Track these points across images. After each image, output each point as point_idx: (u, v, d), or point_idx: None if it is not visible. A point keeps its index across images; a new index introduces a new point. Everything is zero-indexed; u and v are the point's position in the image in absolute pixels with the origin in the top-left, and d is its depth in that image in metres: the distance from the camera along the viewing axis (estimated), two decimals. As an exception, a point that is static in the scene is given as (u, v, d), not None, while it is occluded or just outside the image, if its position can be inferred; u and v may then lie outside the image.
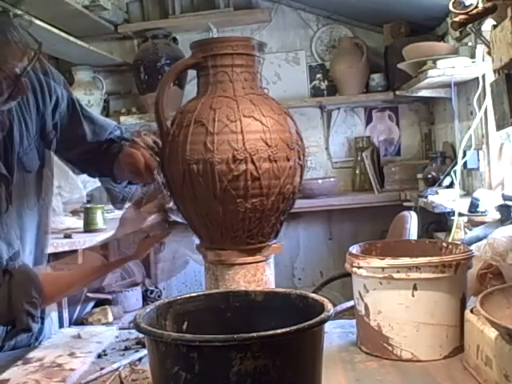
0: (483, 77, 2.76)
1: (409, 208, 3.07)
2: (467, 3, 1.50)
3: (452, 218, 2.40)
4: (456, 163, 2.73)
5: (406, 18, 3.58)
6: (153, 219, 1.32)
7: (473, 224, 2.27)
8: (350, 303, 1.41)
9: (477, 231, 1.83)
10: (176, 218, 1.41)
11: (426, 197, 2.96)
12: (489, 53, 1.67)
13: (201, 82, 1.37)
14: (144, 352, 1.20)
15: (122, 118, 3.88)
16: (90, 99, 3.88)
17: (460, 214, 2.37)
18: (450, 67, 2.75)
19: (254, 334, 0.75)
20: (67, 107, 1.48)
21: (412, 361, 1.14)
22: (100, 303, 3.03)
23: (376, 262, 1.15)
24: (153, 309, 0.90)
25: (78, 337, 1.35)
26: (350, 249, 1.26)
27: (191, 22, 3.86)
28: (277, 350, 0.77)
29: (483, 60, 2.71)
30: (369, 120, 4.10)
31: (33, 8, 2.75)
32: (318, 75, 4.09)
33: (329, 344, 1.21)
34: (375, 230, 3.72)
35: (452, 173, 2.80)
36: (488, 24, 1.74)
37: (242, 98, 1.29)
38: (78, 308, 2.89)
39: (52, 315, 1.56)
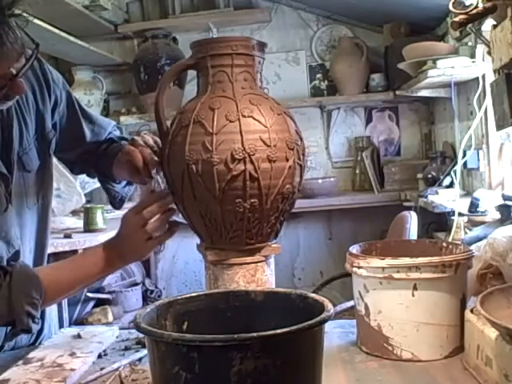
0: (483, 77, 2.76)
1: (409, 208, 3.07)
2: (467, 3, 1.50)
3: (452, 217, 2.40)
4: (456, 163, 2.73)
5: (406, 18, 3.59)
6: (155, 220, 1.32)
7: (473, 224, 2.27)
8: (350, 303, 1.41)
9: (477, 231, 1.83)
10: (176, 217, 1.41)
11: (426, 197, 2.96)
12: (489, 53, 1.67)
13: (200, 82, 1.37)
14: (144, 352, 1.20)
15: (122, 118, 3.88)
16: (90, 99, 3.88)
17: (460, 214, 2.37)
18: (449, 67, 2.75)
19: (254, 334, 0.75)
20: (66, 107, 1.48)
21: (412, 361, 1.14)
22: (100, 303, 3.04)
23: (376, 261, 1.15)
24: (153, 309, 0.90)
25: (78, 337, 1.35)
26: (350, 249, 1.26)
27: (191, 22, 3.86)
28: (277, 349, 0.77)
29: (483, 60, 2.71)
30: (369, 120, 4.10)
31: (33, 8, 2.75)
32: (318, 75, 4.09)
33: (329, 344, 1.21)
34: (375, 230, 3.72)
35: (452, 173, 2.80)
36: (488, 24, 1.74)
37: (241, 98, 1.29)
38: (78, 308, 2.90)
39: (52, 315, 1.56)
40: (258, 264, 1.34)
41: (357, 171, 3.98)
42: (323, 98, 4.01)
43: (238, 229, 1.30)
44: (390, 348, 1.16)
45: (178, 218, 1.44)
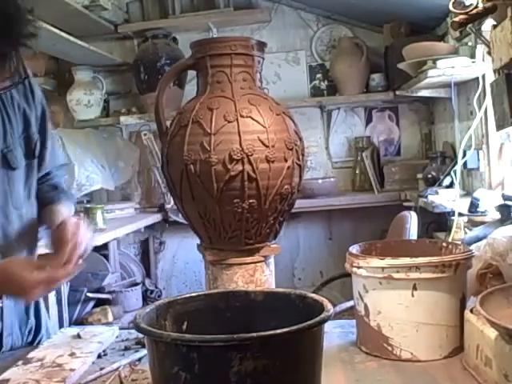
0: (483, 77, 2.76)
1: (409, 208, 3.07)
2: (467, 3, 1.50)
3: (452, 217, 2.40)
4: (456, 163, 2.73)
5: (406, 18, 3.58)
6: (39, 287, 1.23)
7: (473, 224, 2.27)
8: (350, 303, 1.41)
9: (477, 231, 1.83)
10: (176, 218, 1.41)
11: (426, 197, 2.96)
12: (489, 53, 1.67)
13: (200, 82, 1.37)
14: (144, 352, 1.20)
15: (122, 118, 3.88)
16: (90, 99, 3.88)
17: (460, 214, 2.37)
18: (449, 67, 2.74)
19: (254, 334, 0.75)
20: (41, 123, 1.46)
21: (412, 361, 1.14)
22: (100, 303, 3.04)
23: (376, 262, 1.15)
24: (153, 309, 0.90)
25: (78, 337, 1.35)
26: (350, 249, 1.26)
27: (191, 22, 3.86)
28: (276, 350, 0.77)
29: (483, 60, 2.71)
30: (369, 120, 4.10)
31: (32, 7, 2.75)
32: (318, 75, 4.09)
33: (329, 344, 1.21)
34: (375, 230, 3.72)
35: (452, 173, 2.80)
36: (488, 24, 1.74)
37: (240, 98, 1.29)
38: (78, 308, 2.89)
39: (52, 315, 1.55)
40: (257, 264, 1.34)
41: (357, 171, 3.98)
42: (323, 98, 4.01)
43: (236, 229, 1.30)
44: (389, 348, 1.16)
45: (178, 218, 1.44)
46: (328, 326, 1.09)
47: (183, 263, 4.16)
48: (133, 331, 1.39)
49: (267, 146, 1.26)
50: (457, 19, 1.48)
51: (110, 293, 3.12)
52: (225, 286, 1.33)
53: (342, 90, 3.90)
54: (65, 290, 2.62)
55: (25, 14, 1.14)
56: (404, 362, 1.14)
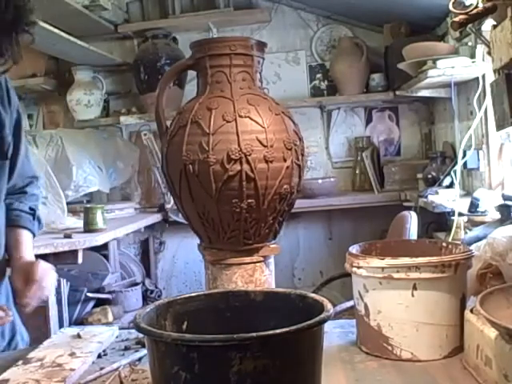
0: (483, 77, 2.76)
1: (409, 208, 3.07)
2: (467, 3, 1.50)
3: (452, 217, 2.40)
4: (456, 163, 2.73)
5: (405, 18, 3.58)
6: None
7: (473, 224, 2.27)
8: (350, 303, 1.41)
9: (477, 231, 1.83)
10: (176, 217, 1.42)
11: (426, 197, 2.96)
12: (489, 53, 1.67)
13: (200, 82, 1.37)
14: (144, 352, 1.20)
15: (122, 118, 3.88)
16: (90, 99, 3.88)
17: (460, 214, 2.37)
18: (449, 67, 2.74)
19: (254, 334, 0.75)
20: (16, 126, 1.46)
21: (412, 361, 1.14)
22: (100, 303, 3.04)
23: (376, 261, 1.15)
24: (153, 309, 0.90)
25: (78, 337, 1.35)
26: (350, 249, 1.26)
27: (191, 22, 3.86)
28: (276, 349, 0.77)
29: (483, 60, 2.71)
30: (369, 120, 4.10)
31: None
32: (318, 75, 4.09)
33: (329, 344, 1.21)
34: (375, 230, 3.72)
35: (452, 173, 2.80)
36: (488, 24, 1.74)
37: (239, 98, 1.29)
38: (78, 308, 2.89)
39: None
40: (257, 264, 1.34)
41: (357, 171, 3.98)
42: (323, 98, 4.01)
43: (235, 229, 1.30)
44: (389, 348, 1.16)
45: (178, 218, 1.45)
46: (328, 326, 1.09)
47: (183, 263, 4.16)
48: (133, 331, 1.39)
49: (266, 146, 1.26)
50: (457, 19, 1.48)
51: (110, 293, 3.13)
52: (224, 286, 1.32)
53: (342, 90, 3.90)
54: (65, 289, 2.62)
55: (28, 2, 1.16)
56: (404, 362, 1.14)
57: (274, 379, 0.77)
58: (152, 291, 3.65)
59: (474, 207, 2.34)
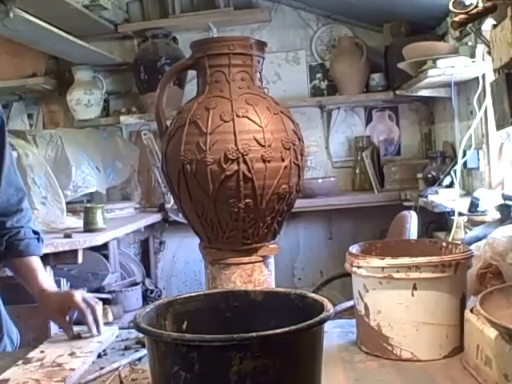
0: (483, 76, 2.76)
1: (409, 208, 3.07)
2: (467, 3, 1.50)
3: (452, 217, 2.40)
4: (456, 163, 2.73)
5: (405, 17, 3.58)
6: None
7: (473, 224, 2.27)
8: (350, 303, 1.41)
9: (477, 231, 1.83)
10: (176, 217, 1.42)
11: (426, 196, 2.96)
12: (489, 52, 1.67)
13: (200, 82, 1.37)
14: (144, 352, 1.20)
15: (122, 118, 3.88)
16: (90, 99, 3.88)
17: (460, 214, 2.37)
18: (449, 67, 2.74)
19: (254, 334, 0.75)
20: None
21: (412, 360, 1.14)
22: (100, 303, 3.03)
23: (376, 261, 1.15)
24: (152, 308, 0.90)
25: (78, 337, 1.35)
26: (350, 249, 1.26)
27: (191, 22, 3.86)
28: (276, 349, 0.77)
29: (483, 60, 2.71)
30: (369, 120, 4.10)
31: (33, 7, 2.75)
32: (318, 75, 4.09)
33: (329, 344, 1.21)
34: (375, 229, 3.72)
35: (452, 172, 2.80)
36: (488, 24, 1.73)
37: (237, 97, 1.29)
38: (78, 308, 2.89)
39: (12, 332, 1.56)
40: (255, 264, 1.34)
41: (357, 171, 3.98)
42: (323, 98, 4.01)
43: (233, 229, 1.30)
44: (389, 348, 1.16)
45: (178, 217, 1.45)
46: (328, 326, 1.09)
47: (183, 263, 4.16)
48: (133, 331, 1.39)
49: (263, 146, 1.26)
50: (457, 19, 1.48)
51: (109, 292, 3.13)
52: (223, 286, 1.32)
53: (342, 89, 3.90)
54: (65, 289, 2.62)
55: None
56: (404, 362, 1.14)
57: (273, 379, 0.77)
58: (152, 291, 3.65)
59: (473, 207, 2.34)
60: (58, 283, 2.56)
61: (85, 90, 3.87)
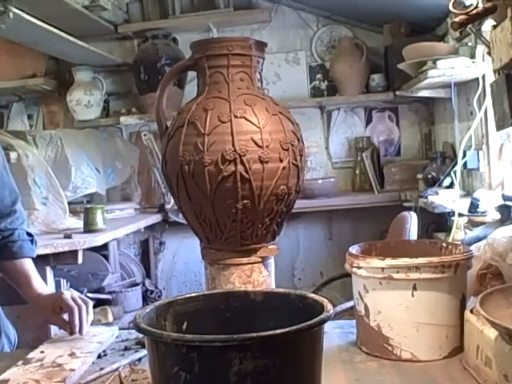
0: (483, 77, 2.76)
1: (409, 208, 3.07)
2: (467, 3, 1.50)
3: (452, 218, 2.39)
4: (456, 163, 2.73)
5: (406, 18, 3.58)
6: None
7: (473, 224, 2.27)
8: (350, 303, 1.41)
9: (477, 231, 1.83)
10: (176, 218, 1.42)
11: (426, 197, 2.96)
12: (489, 53, 1.67)
13: (200, 83, 1.37)
14: (144, 352, 1.20)
15: (122, 119, 3.88)
16: (90, 99, 3.88)
17: (460, 215, 2.37)
18: (450, 67, 2.74)
19: (254, 334, 0.75)
20: None
21: (412, 361, 1.14)
22: (100, 303, 3.04)
23: (376, 262, 1.15)
24: (152, 309, 0.90)
25: (78, 337, 1.35)
26: (350, 249, 1.26)
27: (191, 22, 3.86)
28: (276, 350, 0.77)
29: (483, 60, 2.71)
30: (369, 120, 4.10)
31: (33, 7, 2.75)
32: (318, 75, 4.08)
33: (329, 344, 1.21)
34: (375, 230, 3.72)
35: (452, 173, 2.80)
36: (488, 24, 1.74)
37: (235, 98, 1.29)
38: (78, 308, 2.89)
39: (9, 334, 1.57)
40: (254, 265, 1.34)
41: (357, 171, 3.98)
42: (323, 99, 4.01)
43: (232, 229, 1.30)
44: (389, 348, 1.16)
45: (178, 218, 1.45)
46: (328, 326, 1.09)
47: (183, 263, 4.16)
48: (133, 331, 1.39)
49: (261, 147, 1.25)
50: (457, 19, 1.48)
51: (109, 293, 3.12)
52: (222, 286, 1.32)
53: (342, 90, 3.90)
54: (65, 290, 2.62)
55: None
56: (404, 362, 1.14)
57: (273, 379, 0.77)
58: (152, 291, 3.65)
59: (474, 207, 2.34)
60: (58, 283, 2.56)
61: (85, 90, 3.87)
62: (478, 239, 1.55)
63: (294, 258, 4.11)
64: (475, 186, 2.99)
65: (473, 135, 2.73)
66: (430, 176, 3.26)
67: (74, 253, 2.57)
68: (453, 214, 2.41)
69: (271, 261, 1.40)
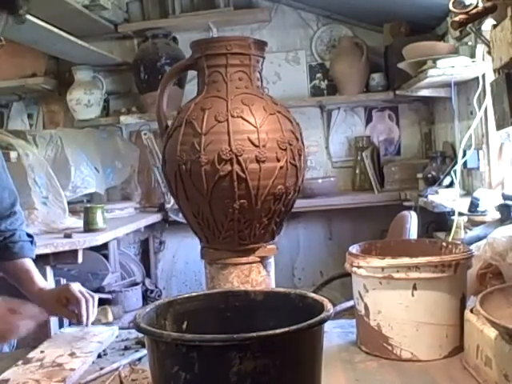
0: (483, 76, 2.76)
1: (409, 208, 3.07)
2: (467, 3, 1.50)
3: (452, 217, 2.39)
4: (456, 163, 2.73)
5: (405, 17, 3.58)
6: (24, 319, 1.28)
7: (473, 224, 2.27)
8: (350, 303, 1.41)
9: (477, 231, 1.83)
10: (176, 217, 1.42)
11: (426, 196, 2.96)
12: (489, 52, 1.67)
13: (199, 82, 1.37)
14: (144, 352, 1.20)
15: (122, 118, 3.88)
16: (90, 99, 3.88)
17: (460, 214, 2.37)
18: (450, 67, 2.74)
19: (254, 334, 0.75)
20: None
21: (412, 360, 1.14)
22: (100, 303, 3.03)
23: (376, 261, 1.15)
24: (153, 308, 0.90)
25: (79, 337, 1.35)
26: (350, 249, 1.26)
27: (191, 22, 3.86)
28: (276, 349, 0.77)
29: (483, 59, 2.71)
30: (369, 120, 4.10)
31: (33, 7, 2.74)
32: (318, 75, 4.08)
33: (329, 344, 1.21)
34: (375, 229, 3.72)
35: (452, 172, 2.79)
36: (488, 23, 1.73)
37: (233, 97, 1.29)
38: (78, 308, 2.89)
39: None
40: (253, 265, 1.34)
41: (357, 171, 3.98)
42: (323, 98, 4.01)
43: (229, 229, 1.29)
44: (389, 348, 1.16)
45: (178, 217, 1.45)
46: (328, 326, 1.09)
47: (183, 263, 4.16)
48: (133, 331, 1.39)
49: (257, 146, 1.25)
50: (457, 19, 1.48)
51: (109, 293, 3.12)
52: (220, 286, 1.32)
53: (342, 89, 3.90)
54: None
55: None
56: (404, 362, 1.14)
57: (273, 379, 0.77)
58: (152, 291, 3.65)
59: (474, 207, 2.34)
60: (57, 283, 2.56)
61: (85, 89, 3.87)
62: (478, 239, 1.55)
63: (293, 257, 4.11)
64: (475, 186, 2.99)
65: (473, 134, 2.73)
66: (430, 175, 3.26)
67: (74, 252, 2.57)
68: (453, 213, 2.40)
69: (271, 260, 1.40)
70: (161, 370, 0.81)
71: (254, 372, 0.75)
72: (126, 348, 1.31)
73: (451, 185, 2.96)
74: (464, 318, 1.11)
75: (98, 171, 3.39)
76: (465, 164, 2.81)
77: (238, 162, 1.24)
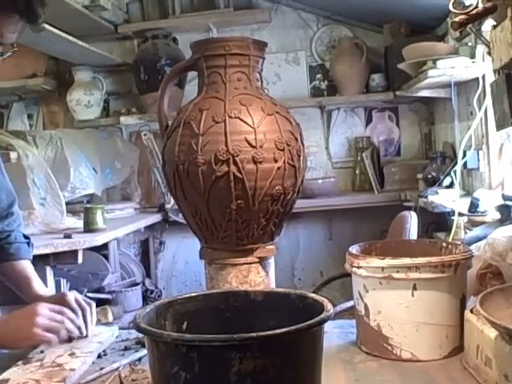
0: (483, 77, 2.76)
1: (409, 208, 3.07)
2: (467, 3, 1.50)
3: (452, 218, 2.40)
4: (456, 163, 2.73)
5: (406, 18, 3.58)
6: (51, 321, 1.28)
7: (473, 224, 2.27)
8: (350, 303, 1.41)
9: (477, 231, 1.83)
10: (176, 217, 1.43)
11: (426, 197, 2.96)
12: (489, 53, 1.67)
13: (199, 83, 1.37)
14: (144, 352, 1.20)
15: (122, 118, 3.88)
16: (90, 99, 3.88)
17: (460, 214, 2.37)
18: (450, 67, 2.74)
19: (254, 334, 0.75)
20: None
21: (412, 361, 1.14)
22: (100, 303, 3.04)
23: (376, 262, 1.15)
24: (152, 309, 0.90)
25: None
26: (350, 249, 1.26)
27: (191, 22, 3.86)
28: (276, 349, 0.77)
29: (483, 60, 2.71)
30: (369, 120, 4.10)
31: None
32: (318, 75, 4.09)
33: (329, 344, 1.21)
34: (375, 230, 3.72)
35: (452, 173, 2.80)
36: (488, 24, 1.74)
37: (231, 98, 1.29)
38: (78, 308, 2.89)
39: None
40: (252, 265, 1.34)
41: (357, 171, 3.98)
42: (323, 98, 4.01)
43: (227, 229, 1.30)
44: (389, 348, 1.16)
45: (178, 218, 1.46)
46: (328, 326, 1.09)
47: (183, 263, 4.16)
48: (133, 331, 1.39)
49: (254, 147, 1.25)
50: (457, 19, 1.48)
51: (110, 293, 3.12)
52: (219, 286, 1.32)
53: (342, 90, 3.90)
54: (65, 290, 2.62)
55: None
56: (404, 362, 1.14)
57: (273, 379, 0.77)
58: (152, 291, 3.65)
59: (474, 207, 2.34)
60: (57, 283, 2.57)
61: (85, 90, 3.87)
62: (478, 239, 1.55)
63: (293, 257, 4.11)
64: (475, 186, 3.00)
65: (473, 135, 2.73)
66: (429, 176, 3.26)
67: (74, 252, 2.57)
68: (453, 213, 2.41)
69: (270, 261, 1.39)
70: (161, 370, 0.81)
71: (254, 372, 0.75)
72: (126, 348, 1.31)
73: (451, 185, 2.96)
74: (464, 319, 1.11)
75: (96, 172, 3.39)
76: (465, 164, 2.81)
77: (235, 163, 1.24)
